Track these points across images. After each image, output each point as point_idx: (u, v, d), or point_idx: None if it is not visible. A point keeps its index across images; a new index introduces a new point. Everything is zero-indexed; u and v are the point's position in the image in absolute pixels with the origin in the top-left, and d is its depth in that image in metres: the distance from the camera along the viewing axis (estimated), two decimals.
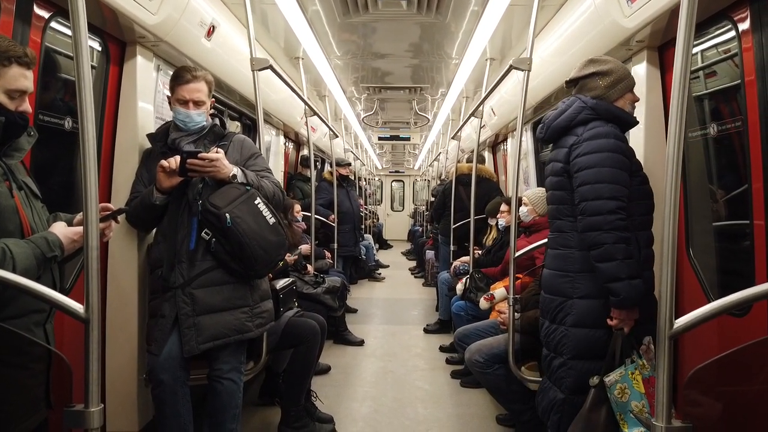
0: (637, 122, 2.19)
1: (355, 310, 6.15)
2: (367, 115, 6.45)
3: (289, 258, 3.92)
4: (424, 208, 11.47)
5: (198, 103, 2.40)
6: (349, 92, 5.78)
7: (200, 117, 2.42)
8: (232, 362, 2.38)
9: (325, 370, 4.05)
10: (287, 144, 6.15)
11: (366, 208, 11.73)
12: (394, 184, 17.79)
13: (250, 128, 5.00)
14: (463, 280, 3.99)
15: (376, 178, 16.06)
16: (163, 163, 2.27)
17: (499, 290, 3.57)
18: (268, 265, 2.38)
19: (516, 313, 2.78)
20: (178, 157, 2.26)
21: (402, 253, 12.24)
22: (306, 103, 4.14)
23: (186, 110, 2.38)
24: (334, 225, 5.65)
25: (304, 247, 4.62)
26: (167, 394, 2.27)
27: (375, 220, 13.18)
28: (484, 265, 4.29)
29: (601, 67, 2.17)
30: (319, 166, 7.09)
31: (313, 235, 4.48)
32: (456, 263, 4.67)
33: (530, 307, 2.88)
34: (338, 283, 3.99)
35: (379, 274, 8.78)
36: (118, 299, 2.53)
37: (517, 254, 2.82)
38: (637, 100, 2.19)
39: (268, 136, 5.27)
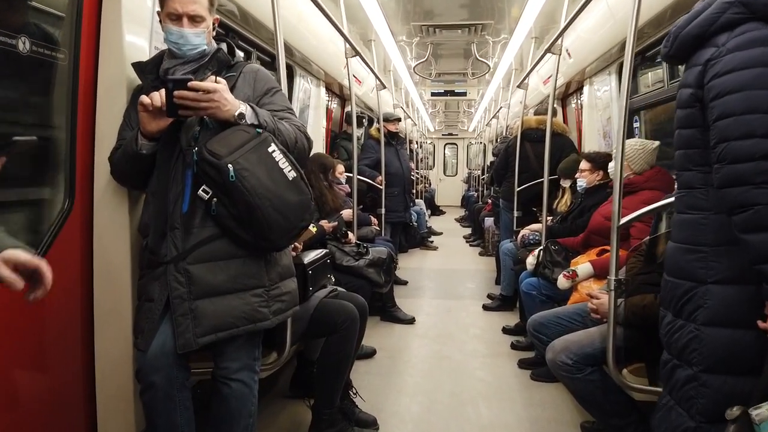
0: None
1: (405, 282, 5.57)
2: (418, 63, 5.71)
3: (328, 225, 3.34)
4: (479, 173, 10.68)
5: (195, 20, 1.79)
6: (399, 38, 5.05)
7: (198, 38, 1.81)
8: (243, 359, 1.83)
9: (370, 353, 3.49)
10: (330, 99, 5.53)
11: (417, 172, 11.07)
12: (447, 149, 16.96)
13: (287, 76, 4.40)
14: (535, 252, 3.30)
15: (428, 142, 15.29)
16: (144, 99, 1.69)
17: (583, 266, 2.88)
18: (288, 233, 1.78)
19: (618, 299, 2.08)
20: (163, 91, 1.68)
21: (455, 219, 11.54)
22: (346, 39, 3.47)
23: (179, 28, 1.78)
24: (382, 188, 5.02)
25: (346, 213, 4.04)
26: (160, 401, 1.75)
27: (427, 185, 12.50)
28: (560, 234, 3.58)
29: None
30: (366, 124, 6.44)
31: (355, 198, 3.87)
32: (524, 232, 3.97)
33: (633, 292, 2.18)
34: (385, 255, 3.39)
35: (432, 242, 8.14)
36: (106, 279, 2.00)
37: (623, 221, 2.10)
38: None
39: (306, 85, 4.65)
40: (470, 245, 8.33)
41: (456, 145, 16.90)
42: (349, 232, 3.49)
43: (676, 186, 1.66)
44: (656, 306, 2.05)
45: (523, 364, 3.37)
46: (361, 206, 4.76)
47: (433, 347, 3.74)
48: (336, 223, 3.42)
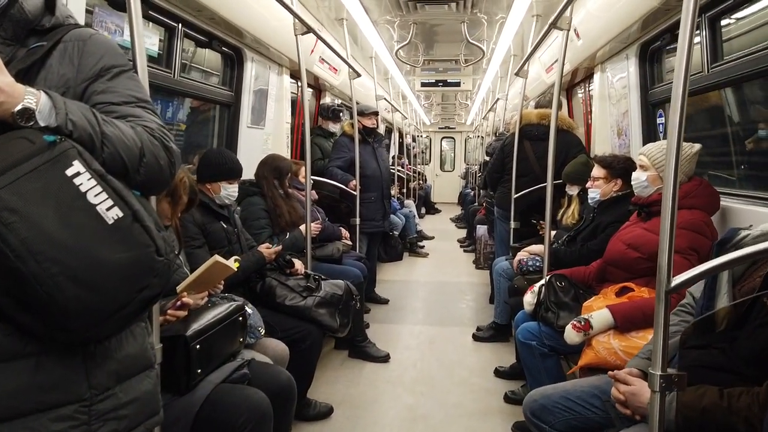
0: None
1: (385, 301, 4.82)
2: (402, 46, 4.92)
3: (269, 251, 2.60)
4: (477, 168, 9.91)
5: None
6: (376, 16, 4.27)
7: None
8: None
9: (325, 413, 2.74)
10: (300, 89, 4.75)
11: (413, 169, 10.31)
12: (444, 142, 16.16)
13: (233, 61, 3.63)
14: (535, 288, 2.55)
15: (424, 135, 14.50)
16: None
17: (599, 314, 2.13)
18: (108, 315, 1.04)
19: (665, 392, 1.33)
20: None
21: (451, 219, 10.78)
22: (293, 13, 2.71)
23: None
24: (356, 194, 4.27)
25: (314, 226, 3.31)
26: None
27: (422, 182, 11.74)
28: (567, 261, 2.83)
29: None
30: (344, 118, 5.68)
31: (308, 208, 3.11)
32: (522, 256, 3.20)
33: (686, 367, 1.43)
34: (341, 290, 2.63)
35: (422, 247, 7.38)
36: None
37: (679, 281, 1.33)
38: None
39: (262, 72, 3.88)
40: (464, 251, 7.58)
41: (453, 138, 16.09)
42: (295, 260, 2.73)
43: None
44: (723, 409, 1.32)
45: (518, 428, 2.63)
46: (328, 219, 4.00)
47: (407, 400, 2.98)
48: (280, 246, 2.66)
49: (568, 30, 2.73)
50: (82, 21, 1.96)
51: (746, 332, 1.36)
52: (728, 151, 2.86)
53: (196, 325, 1.60)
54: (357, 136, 4.29)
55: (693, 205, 2.22)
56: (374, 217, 4.59)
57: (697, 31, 2.71)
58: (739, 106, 2.77)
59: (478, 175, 9.20)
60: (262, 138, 3.98)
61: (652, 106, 3.43)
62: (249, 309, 2.09)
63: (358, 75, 4.25)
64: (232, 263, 2.03)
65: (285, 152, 4.26)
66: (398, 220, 6.53)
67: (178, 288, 1.80)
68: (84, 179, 1.01)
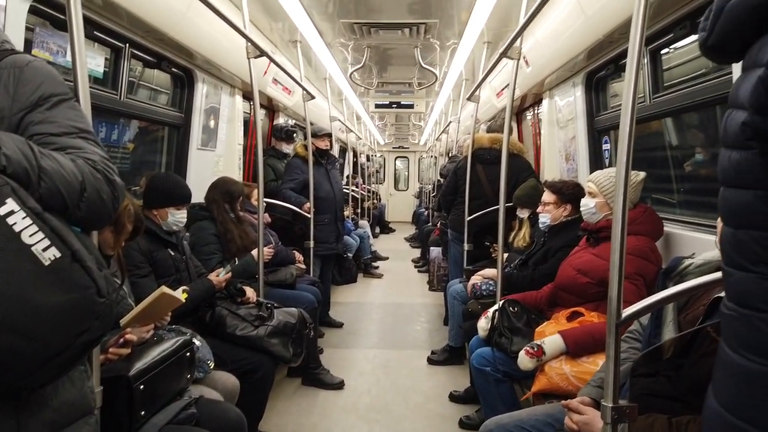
0: None
1: (340, 325, 4.76)
2: (356, 69, 4.95)
3: (218, 279, 2.52)
4: (430, 187, 10.01)
5: None
6: (330, 39, 4.28)
7: None
8: None
9: None
10: (253, 110, 4.69)
11: (367, 189, 10.33)
12: (398, 162, 16.30)
13: (183, 82, 3.55)
14: (489, 313, 2.56)
15: (378, 155, 14.58)
16: None
17: (551, 339, 2.16)
18: (44, 362, 0.98)
19: (617, 424, 1.34)
20: None
21: (405, 238, 10.81)
22: (246, 37, 2.68)
23: None
24: (310, 216, 4.23)
25: (267, 251, 3.24)
26: None
27: (376, 201, 11.77)
28: (520, 285, 2.87)
29: None
30: (299, 139, 5.64)
31: (260, 232, 3.04)
32: (476, 280, 3.23)
33: (636, 395, 1.45)
34: (295, 318, 2.58)
35: (377, 268, 7.37)
36: None
37: (630, 311, 1.36)
38: None
39: (214, 93, 3.81)
40: (419, 271, 7.61)
41: (407, 158, 16.25)
42: (247, 288, 2.65)
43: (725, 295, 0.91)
44: None
45: None
46: (281, 242, 3.94)
47: (361, 429, 2.93)
48: (229, 274, 2.59)
49: (518, 59, 2.80)
50: (21, 40, 1.87)
51: (691, 361, 1.40)
52: (669, 177, 2.98)
53: (139, 364, 1.52)
54: (311, 158, 4.26)
55: (639, 231, 2.29)
56: (328, 240, 4.54)
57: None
58: (679, 132, 2.91)
59: (431, 195, 9.29)
60: (213, 160, 3.89)
61: (597, 133, 3.56)
62: (197, 341, 2.01)
63: (312, 97, 4.24)
64: (180, 294, 1.96)
65: (237, 174, 4.18)
66: (352, 241, 6.50)
67: (122, 321, 1.71)
68: (18, 218, 0.94)
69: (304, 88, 4.07)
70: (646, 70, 2.80)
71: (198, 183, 3.45)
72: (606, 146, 3.46)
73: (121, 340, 1.54)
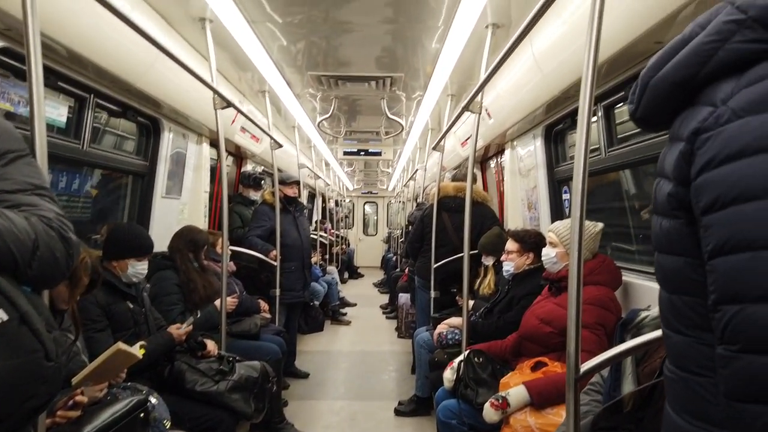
0: None
1: (305, 375, 4.66)
2: (324, 118, 5.03)
3: (178, 332, 2.46)
4: (399, 232, 10.06)
5: None
6: (299, 90, 4.36)
7: None
8: None
9: None
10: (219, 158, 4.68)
11: (336, 234, 10.31)
12: (366, 206, 16.39)
13: (149, 130, 3.54)
14: (454, 363, 2.55)
15: (347, 200, 14.64)
16: None
17: (515, 391, 2.16)
18: None
19: None
20: None
21: (374, 284, 10.77)
22: (212, 89, 2.71)
23: None
24: (276, 264, 4.19)
25: (230, 301, 3.19)
26: None
27: (345, 246, 11.73)
28: (485, 334, 2.88)
29: None
30: (267, 186, 5.64)
31: (224, 282, 2.99)
32: (441, 329, 3.23)
33: None
34: (257, 372, 2.51)
35: (345, 315, 7.29)
36: None
37: (587, 367, 1.37)
38: None
39: (180, 141, 3.80)
40: (387, 317, 7.55)
41: (376, 203, 16.36)
42: (208, 341, 2.59)
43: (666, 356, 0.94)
44: None
45: None
46: (246, 290, 3.88)
47: None
48: (190, 327, 2.53)
49: (479, 113, 2.90)
50: None
51: (650, 414, 1.42)
52: (627, 227, 3.08)
53: (90, 427, 1.46)
54: (278, 205, 4.26)
55: (598, 281, 2.35)
56: (294, 287, 4.49)
57: (596, 118, 2.97)
58: (636, 183, 3.03)
59: (400, 240, 9.33)
60: (178, 208, 3.85)
61: (557, 183, 3.67)
62: (153, 399, 1.94)
63: (280, 146, 4.27)
64: (137, 350, 1.90)
65: (202, 222, 4.13)
66: (320, 287, 6.44)
67: (74, 380, 1.65)
68: None
69: (271, 138, 4.11)
70: (601, 124, 2.93)
71: (162, 231, 3.40)
72: (566, 196, 3.57)
73: (71, 402, 1.48)
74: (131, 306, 2.40)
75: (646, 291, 2.36)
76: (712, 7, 0.85)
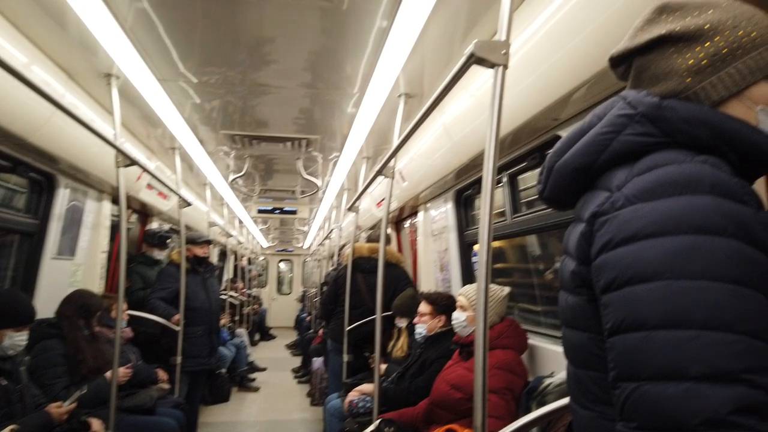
0: None
1: None
2: (237, 177, 4.94)
3: (59, 410, 2.21)
4: (314, 291, 9.87)
5: None
6: (211, 148, 4.26)
7: None
8: None
9: None
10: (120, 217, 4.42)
11: (248, 293, 9.94)
12: (281, 264, 16.04)
13: (42, 186, 3.29)
14: None
15: (261, 258, 14.28)
16: None
17: None
18: None
19: None
20: None
21: (287, 345, 10.39)
22: (116, 149, 2.58)
23: None
24: (179, 329, 3.93)
25: (122, 372, 2.91)
26: None
27: (257, 307, 11.32)
28: (397, 400, 2.82)
29: (684, 23, 0.88)
30: (174, 245, 5.37)
31: (117, 351, 2.75)
32: (352, 396, 3.13)
33: None
34: None
35: (253, 380, 6.93)
36: None
37: None
38: None
39: (77, 198, 3.56)
40: (299, 381, 7.26)
41: (292, 261, 16.06)
42: (93, 420, 2.34)
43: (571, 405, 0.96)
44: None
45: None
46: (143, 359, 3.59)
47: None
48: (74, 404, 2.28)
49: (392, 178, 2.95)
50: None
51: None
52: (533, 290, 3.20)
53: None
54: (183, 265, 4.05)
55: (506, 345, 2.39)
56: (200, 354, 4.23)
57: (502, 185, 3.11)
58: (541, 247, 3.17)
59: (314, 299, 9.15)
60: (71, 270, 3.56)
61: (467, 245, 3.78)
62: None
63: (188, 204, 4.11)
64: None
65: (98, 285, 3.83)
66: (227, 352, 6.11)
67: None
68: None
69: (180, 196, 3.95)
70: (506, 191, 3.08)
71: (50, 296, 3.11)
72: (475, 259, 3.67)
73: None
74: (4, 383, 2.13)
75: (550, 355, 2.43)
76: (609, 100, 0.93)
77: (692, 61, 0.86)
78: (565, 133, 2.19)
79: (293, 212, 7.52)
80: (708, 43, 0.85)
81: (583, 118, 1.90)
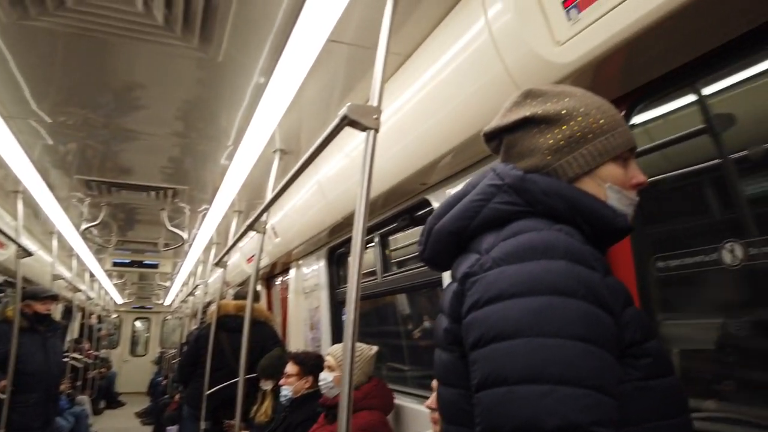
0: (630, 228, 1.00)
1: None
2: (90, 226, 4.53)
3: None
4: (174, 351, 9.14)
5: None
6: (62, 193, 3.90)
7: None
8: None
9: None
10: None
11: (95, 355, 8.93)
12: (138, 322, 14.72)
13: None
14: None
15: (114, 315, 13.02)
16: None
17: None
18: None
19: None
20: None
21: (137, 413, 9.40)
22: None
23: None
24: (4, 397, 3.40)
25: None
26: None
27: (104, 370, 10.20)
28: None
29: (545, 107, 1.01)
30: (9, 300, 4.73)
31: None
32: None
33: None
34: None
35: None
36: None
37: None
38: (642, 182, 1.03)
39: None
40: None
41: (150, 319, 14.81)
42: None
43: None
44: None
45: None
46: None
47: None
48: None
49: (264, 233, 2.90)
50: None
51: None
52: (401, 349, 3.26)
53: None
54: (17, 324, 3.55)
55: (372, 405, 2.38)
56: (30, 426, 3.68)
57: (372, 245, 3.19)
58: (411, 306, 3.26)
59: (172, 362, 8.46)
60: None
61: (339, 304, 3.78)
62: None
63: (29, 254, 3.67)
64: None
65: None
66: (65, 423, 5.37)
67: None
68: None
69: (19, 245, 3.52)
70: (378, 251, 3.16)
71: None
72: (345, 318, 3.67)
73: None
74: None
75: (416, 415, 2.45)
76: (482, 169, 1.03)
77: (552, 141, 0.98)
78: (433, 197, 2.33)
79: (154, 266, 7.03)
80: (565, 126, 0.97)
81: (450, 183, 2.05)
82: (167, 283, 10.20)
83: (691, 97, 1.43)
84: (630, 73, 1.35)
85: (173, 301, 11.54)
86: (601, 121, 0.97)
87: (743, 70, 1.30)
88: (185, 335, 7.17)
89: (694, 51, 1.25)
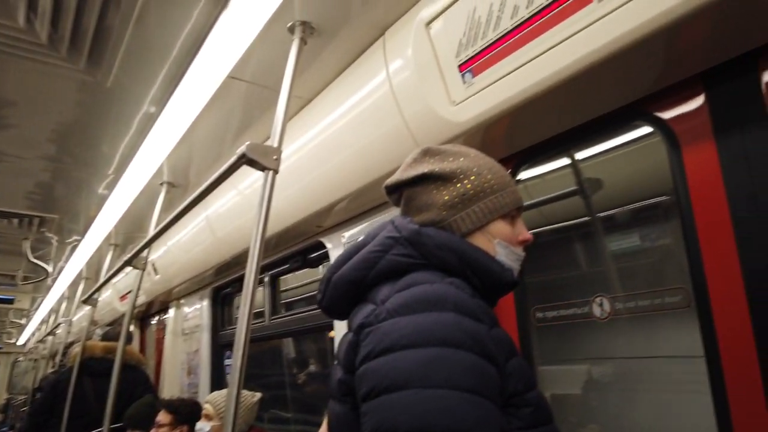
0: (516, 282, 1.05)
1: None
2: None
3: None
4: (25, 398, 8.09)
5: None
6: None
7: None
8: None
9: None
10: None
11: None
12: None
13: None
14: None
15: None
16: None
17: None
18: None
19: None
20: None
21: None
22: None
23: None
24: None
25: None
26: None
27: None
28: None
29: (442, 165, 1.05)
30: None
31: None
32: None
33: None
34: None
35: None
36: None
37: None
38: (528, 239, 1.10)
39: None
40: None
41: None
42: None
43: None
44: None
45: None
46: None
47: None
48: None
49: (144, 269, 2.71)
50: None
51: None
52: (285, 394, 3.14)
53: None
54: None
55: None
56: None
57: (262, 285, 3.09)
58: (297, 350, 3.17)
59: (22, 410, 7.48)
60: None
61: (221, 347, 3.59)
62: None
63: None
64: None
65: None
66: None
67: None
68: None
69: None
70: (267, 292, 3.06)
71: None
72: (228, 361, 3.49)
73: None
74: None
75: None
76: (382, 222, 1.05)
77: (447, 197, 1.02)
78: (327, 240, 2.32)
79: (9, 301, 6.26)
80: (459, 184, 1.02)
81: (344, 227, 2.05)
82: (22, 321, 9.12)
83: (566, 161, 1.57)
84: (516, 136, 1.46)
85: (27, 340, 10.31)
86: (492, 181, 1.04)
87: (609, 141, 1.47)
88: (38, 380, 6.39)
89: (571, 121, 1.39)
